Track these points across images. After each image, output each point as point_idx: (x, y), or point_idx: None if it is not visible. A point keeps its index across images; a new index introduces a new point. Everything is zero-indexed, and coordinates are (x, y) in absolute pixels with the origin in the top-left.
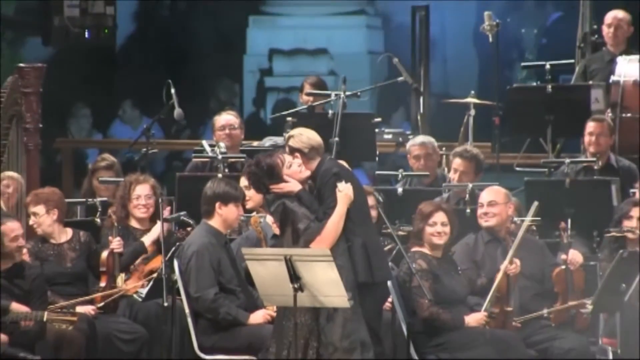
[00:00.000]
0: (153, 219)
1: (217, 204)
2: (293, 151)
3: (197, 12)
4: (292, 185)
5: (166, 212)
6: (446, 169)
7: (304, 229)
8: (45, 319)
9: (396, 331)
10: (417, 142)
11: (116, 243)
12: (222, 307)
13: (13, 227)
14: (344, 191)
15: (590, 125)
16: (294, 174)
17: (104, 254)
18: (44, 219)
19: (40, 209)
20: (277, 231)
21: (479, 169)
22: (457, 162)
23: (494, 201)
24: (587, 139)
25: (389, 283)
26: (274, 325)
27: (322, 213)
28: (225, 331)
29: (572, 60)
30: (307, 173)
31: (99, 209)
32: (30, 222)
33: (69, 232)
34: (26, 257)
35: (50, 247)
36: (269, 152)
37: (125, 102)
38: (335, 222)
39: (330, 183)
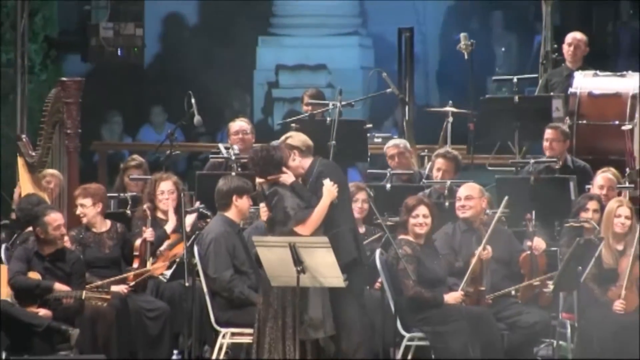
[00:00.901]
0: (177, 211)
1: (234, 197)
2: (292, 148)
3: (214, 33)
4: (287, 177)
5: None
6: (427, 168)
7: (293, 215)
8: (83, 297)
9: (385, 308)
10: (390, 144)
11: (149, 233)
12: (236, 287)
13: (56, 217)
14: (329, 188)
15: (547, 132)
16: (295, 167)
17: (138, 241)
18: (89, 210)
19: (87, 201)
20: (264, 217)
21: (458, 168)
22: (440, 162)
23: (470, 196)
24: (544, 144)
25: (379, 266)
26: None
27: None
28: (238, 308)
29: (536, 75)
30: (301, 171)
31: (129, 203)
32: (78, 212)
33: (108, 223)
34: (67, 243)
35: (92, 235)
36: (274, 146)
37: (152, 111)
38: (319, 212)
39: (332, 175)
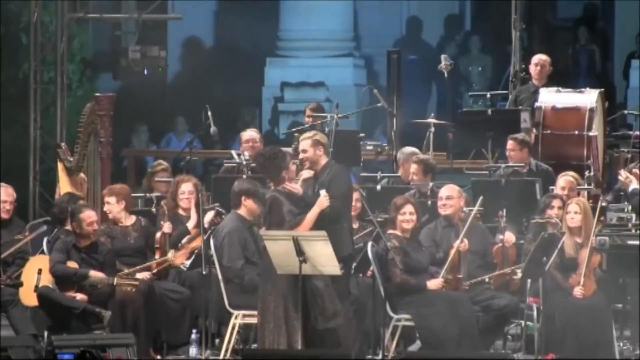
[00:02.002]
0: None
1: (243, 197)
2: (319, 144)
3: (227, 55)
4: (298, 190)
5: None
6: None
7: (288, 220)
8: (115, 283)
9: (376, 293)
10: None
11: (167, 226)
12: (247, 275)
13: (90, 214)
14: (322, 199)
15: (507, 143)
16: (292, 172)
17: (158, 234)
18: (114, 207)
19: (112, 199)
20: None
21: (428, 171)
22: (414, 167)
23: (450, 196)
24: (508, 153)
25: (370, 256)
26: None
27: (332, 205)
28: (249, 293)
29: (507, 91)
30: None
31: (154, 202)
32: (105, 209)
33: (132, 218)
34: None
35: (119, 229)
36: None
37: (174, 122)
38: (310, 220)
39: (340, 179)
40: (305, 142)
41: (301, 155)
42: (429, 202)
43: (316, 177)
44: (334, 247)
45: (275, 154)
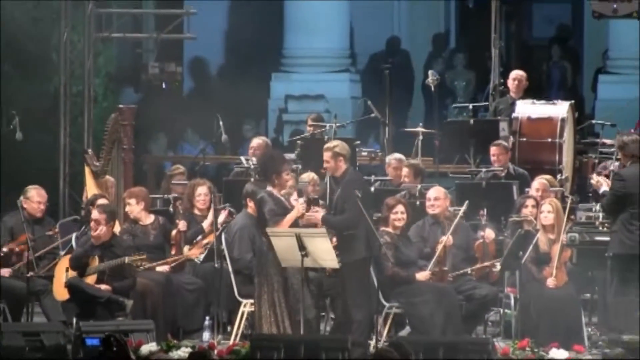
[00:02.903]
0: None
1: (247, 199)
2: (338, 155)
3: (236, 70)
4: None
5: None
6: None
7: (269, 218)
8: (127, 261)
9: (370, 284)
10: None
11: (182, 225)
12: (255, 266)
13: (95, 216)
14: (298, 206)
15: (492, 149)
16: (286, 180)
17: (174, 232)
18: (135, 207)
19: (133, 201)
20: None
21: (418, 174)
22: (406, 172)
23: (438, 197)
24: (492, 157)
25: None
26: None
27: (340, 207)
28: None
29: (487, 103)
30: (291, 183)
31: (172, 202)
32: (126, 209)
33: (152, 217)
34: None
35: (139, 227)
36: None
37: (189, 131)
38: (287, 222)
39: (354, 187)
40: (326, 154)
41: (325, 165)
42: (418, 203)
43: (337, 183)
44: (347, 253)
45: (272, 158)
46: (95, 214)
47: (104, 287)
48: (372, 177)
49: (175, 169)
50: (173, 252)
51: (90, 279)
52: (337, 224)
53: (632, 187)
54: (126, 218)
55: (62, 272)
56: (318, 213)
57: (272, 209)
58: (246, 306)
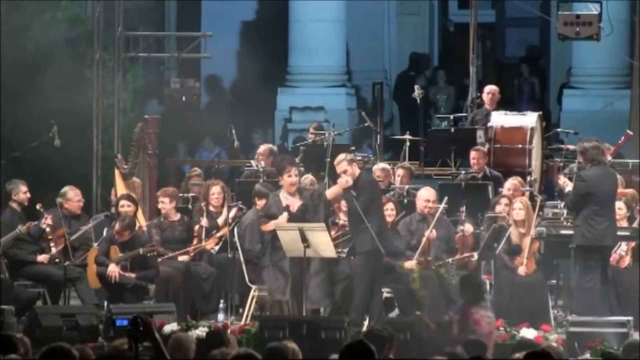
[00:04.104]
0: (223, 205)
1: (255, 198)
2: (352, 161)
3: (247, 85)
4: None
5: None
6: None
7: (260, 216)
8: (141, 252)
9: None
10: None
11: (204, 221)
12: (263, 256)
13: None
14: (280, 219)
15: (472, 154)
16: (292, 183)
17: (196, 227)
18: (167, 205)
19: (166, 199)
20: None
21: (411, 176)
22: (400, 172)
23: (433, 199)
24: (471, 161)
25: None
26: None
27: (362, 205)
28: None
29: (466, 114)
30: (294, 184)
31: (190, 200)
32: (159, 207)
33: (178, 215)
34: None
35: (168, 223)
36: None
37: (206, 138)
38: (269, 226)
39: (367, 187)
40: (343, 164)
41: (343, 174)
42: (406, 201)
43: (355, 185)
44: (356, 244)
45: (280, 160)
46: (117, 226)
47: (128, 274)
48: None
49: (193, 171)
50: (195, 243)
51: (112, 268)
52: (350, 214)
53: (593, 187)
54: (153, 214)
55: (94, 262)
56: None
57: (265, 211)
58: (256, 291)
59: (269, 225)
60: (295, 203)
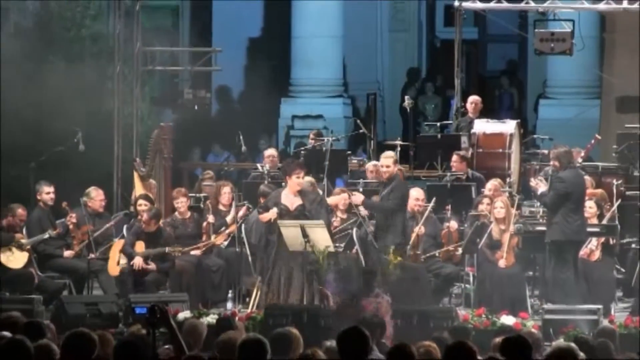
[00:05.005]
0: (232, 204)
1: (260, 198)
2: (396, 162)
3: (254, 96)
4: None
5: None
6: None
7: (257, 207)
8: (167, 251)
9: (359, 264)
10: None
11: (210, 218)
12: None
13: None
14: (269, 213)
15: (452, 158)
16: (297, 183)
17: (205, 223)
18: (183, 204)
19: (183, 199)
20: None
21: (402, 177)
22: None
23: (423, 198)
24: (452, 164)
25: (355, 238)
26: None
27: (391, 202)
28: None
29: (451, 122)
30: (298, 186)
31: (202, 200)
32: (178, 205)
33: (190, 212)
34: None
35: (181, 220)
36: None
37: (216, 143)
38: (263, 217)
39: (400, 188)
40: (388, 160)
41: (385, 169)
42: None
43: (389, 184)
44: (384, 239)
45: (290, 162)
46: (145, 216)
47: (149, 267)
48: (361, 180)
49: (206, 174)
50: (204, 239)
51: (137, 260)
52: (376, 207)
53: (571, 187)
54: (168, 212)
55: (116, 253)
56: (356, 196)
57: (264, 203)
58: (261, 282)
59: (264, 217)
60: (294, 202)
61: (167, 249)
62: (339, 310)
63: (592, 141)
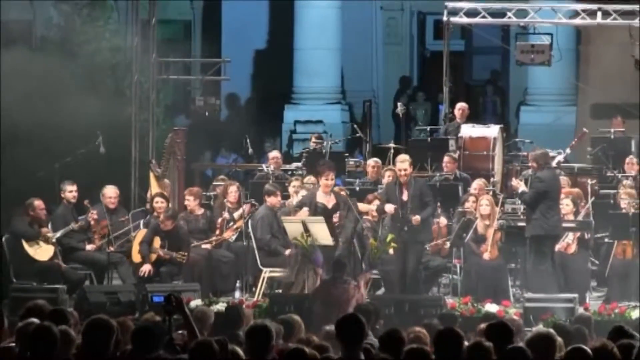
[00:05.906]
0: (239, 202)
1: (265, 196)
2: (411, 165)
3: (259, 102)
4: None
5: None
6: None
7: (294, 206)
8: (174, 256)
9: (355, 257)
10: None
11: (225, 214)
12: (272, 244)
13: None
14: (301, 212)
15: (444, 159)
16: (328, 184)
17: (219, 219)
18: (192, 202)
19: (192, 197)
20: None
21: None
22: (388, 174)
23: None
24: (443, 165)
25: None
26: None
27: (428, 203)
28: (273, 256)
29: (440, 126)
30: (328, 187)
31: (212, 198)
32: (186, 203)
33: (202, 210)
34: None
35: (193, 216)
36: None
37: (224, 146)
38: (300, 213)
39: (425, 188)
40: (405, 163)
41: (403, 172)
42: None
43: (401, 186)
44: (419, 233)
45: (321, 164)
46: (162, 217)
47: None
48: (357, 180)
49: (221, 178)
50: (217, 233)
51: (153, 257)
52: (426, 214)
53: (549, 186)
54: (183, 208)
55: (138, 242)
56: (388, 206)
57: (300, 202)
58: (266, 273)
59: (299, 215)
60: (330, 201)
61: (174, 254)
62: (312, 294)
63: (580, 134)
